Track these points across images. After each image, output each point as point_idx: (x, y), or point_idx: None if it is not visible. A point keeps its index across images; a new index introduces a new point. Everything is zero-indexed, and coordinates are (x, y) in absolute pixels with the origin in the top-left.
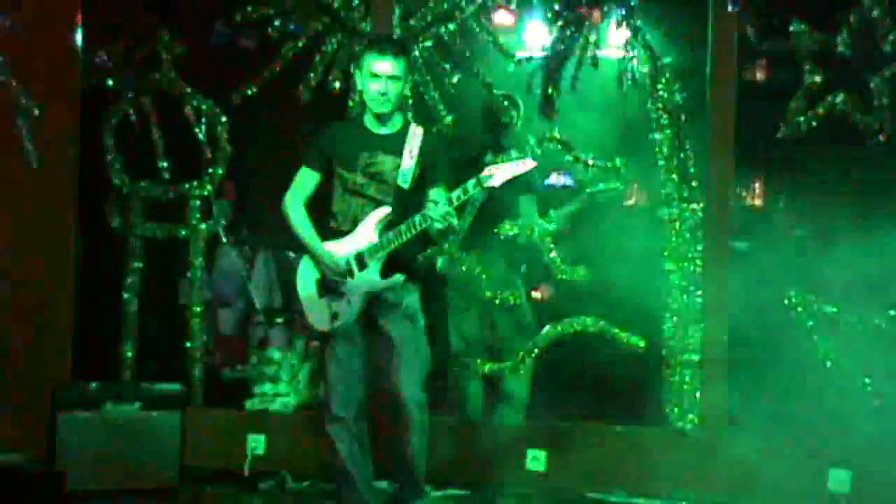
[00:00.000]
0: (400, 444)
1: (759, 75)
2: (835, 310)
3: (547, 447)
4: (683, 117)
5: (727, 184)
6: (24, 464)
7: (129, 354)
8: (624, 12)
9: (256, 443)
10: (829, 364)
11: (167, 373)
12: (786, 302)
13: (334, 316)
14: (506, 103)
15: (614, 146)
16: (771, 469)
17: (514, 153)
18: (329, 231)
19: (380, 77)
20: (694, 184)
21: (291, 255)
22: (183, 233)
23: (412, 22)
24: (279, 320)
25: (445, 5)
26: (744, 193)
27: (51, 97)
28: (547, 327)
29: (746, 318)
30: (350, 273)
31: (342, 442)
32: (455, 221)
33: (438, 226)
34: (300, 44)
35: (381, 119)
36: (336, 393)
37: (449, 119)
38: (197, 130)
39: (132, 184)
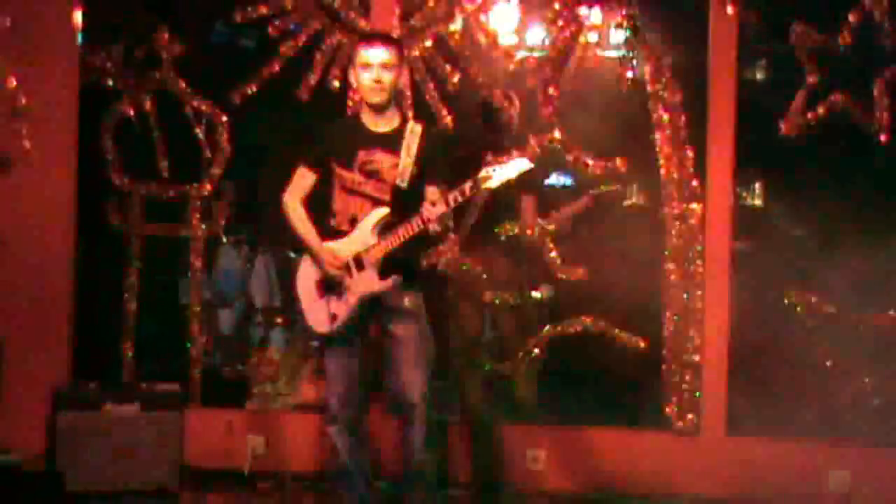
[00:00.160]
0: (407, 442)
1: (759, 75)
2: (835, 310)
3: (546, 447)
4: (683, 117)
5: (727, 184)
6: (24, 464)
7: (129, 354)
8: (624, 12)
9: (256, 443)
10: (829, 364)
11: (167, 373)
12: (786, 302)
13: (333, 317)
14: (505, 103)
15: (614, 146)
16: (771, 469)
17: (513, 153)
18: (328, 230)
19: (372, 65)
20: (694, 184)
21: (291, 255)
22: (183, 233)
23: (412, 22)
24: (279, 320)
25: (445, 5)
26: (744, 193)
27: (50, 97)
28: (547, 327)
29: (746, 318)
30: (349, 273)
31: (342, 442)
32: (451, 223)
33: (434, 227)
34: (300, 43)
35: (378, 113)
36: (336, 393)
37: (449, 119)
38: (197, 130)
39: (132, 184)
